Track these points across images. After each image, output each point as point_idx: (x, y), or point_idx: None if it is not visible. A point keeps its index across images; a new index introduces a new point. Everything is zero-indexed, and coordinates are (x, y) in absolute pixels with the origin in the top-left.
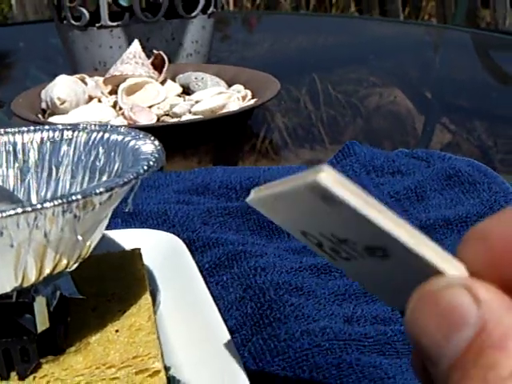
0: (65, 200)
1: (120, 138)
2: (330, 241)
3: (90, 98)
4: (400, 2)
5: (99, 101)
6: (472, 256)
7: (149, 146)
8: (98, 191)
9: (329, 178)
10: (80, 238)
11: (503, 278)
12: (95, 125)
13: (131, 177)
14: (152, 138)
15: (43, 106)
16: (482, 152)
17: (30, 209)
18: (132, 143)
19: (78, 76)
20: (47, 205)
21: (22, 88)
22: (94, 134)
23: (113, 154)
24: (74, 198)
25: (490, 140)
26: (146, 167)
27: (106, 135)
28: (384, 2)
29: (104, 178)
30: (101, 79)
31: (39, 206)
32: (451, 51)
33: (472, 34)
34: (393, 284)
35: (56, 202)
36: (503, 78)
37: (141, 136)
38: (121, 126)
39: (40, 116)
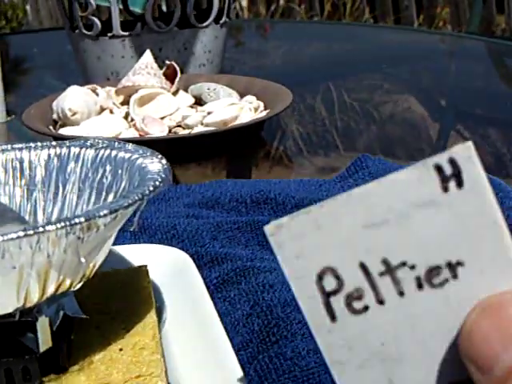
0: (68, 223)
1: (127, 155)
2: (367, 275)
3: (102, 109)
4: (414, 9)
5: (111, 112)
6: None
7: (156, 165)
8: (101, 213)
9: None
10: (83, 260)
11: None
12: (103, 141)
13: (136, 198)
14: (159, 157)
15: (54, 117)
16: (496, 159)
17: (32, 232)
18: (139, 161)
19: (89, 87)
20: (50, 228)
21: (36, 95)
22: (102, 151)
23: (120, 171)
24: (77, 220)
25: (505, 147)
26: (151, 187)
27: (114, 152)
28: (398, 9)
29: (110, 197)
30: (113, 90)
31: (41, 229)
32: (466, 59)
33: (486, 42)
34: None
35: (59, 225)
36: None
37: (148, 154)
38: (128, 143)
39: (51, 127)
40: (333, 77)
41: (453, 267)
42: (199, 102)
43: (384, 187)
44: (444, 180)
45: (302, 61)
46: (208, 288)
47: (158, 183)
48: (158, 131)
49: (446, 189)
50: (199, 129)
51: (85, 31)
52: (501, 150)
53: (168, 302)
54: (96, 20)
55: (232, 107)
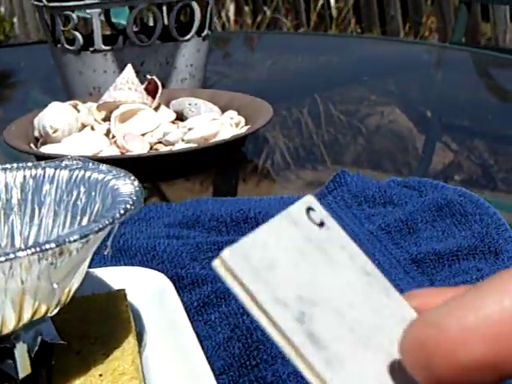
0: (38, 249)
1: (101, 176)
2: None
3: (83, 126)
4: (400, 19)
5: (92, 128)
6: None
7: (128, 187)
8: (72, 239)
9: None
10: (56, 285)
11: None
12: (77, 162)
13: (106, 222)
14: (132, 178)
15: (36, 134)
16: (483, 171)
17: (3, 259)
18: (112, 183)
19: (70, 103)
20: (21, 254)
21: (22, 110)
22: (76, 172)
23: (93, 193)
24: (47, 246)
25: (492, 159)
26: (122, 211)
27: (88, 173)
28: (384, 19)
29: (85, 220)
30: (94, 105)
31: (12, 256)
32: (451, 70)
33: (472, 52)
34: None
35: (29, 251)
36: (503, 96)
37: (121, 175)
38: (102, 164)
39: (32, 145)
40: (319, 89)
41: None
42: (181, 117)
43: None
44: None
45: (287, 73)
46: (189, 311)
47: (128, 206)
48: (139, 148)
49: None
50: (180, 145)
51: (67, 46)
52: (487, 162)
53: (148, 326)
54: (78, 34)
55: (213, 123)
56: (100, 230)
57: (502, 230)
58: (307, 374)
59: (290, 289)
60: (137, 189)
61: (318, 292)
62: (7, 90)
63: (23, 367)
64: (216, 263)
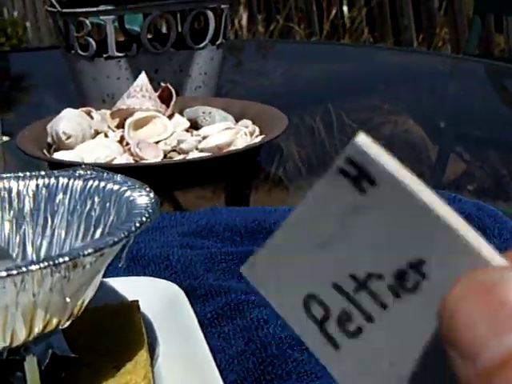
0: (51, 262)
1: (116, 187)
2: (345, 295)
3: (97, 133)
4: (414, 29)
5: (106, 135)
6: None
7: (143, 199)
8: (86, 252)
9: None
10: (68, 299)
11: None
12: (91, 172)
13: (122, 236)
14: (147, 189)
15: (49, 140)
16: (496, 181)
17: (15, 272)
18: (127, 194)
19: (84, 109)
20: (33, 267)
21: (34, 115)
22: (90, 182)
23: (108, 204)
24: (61, 260)
25: (505, 169)
26: (138, 224)
27: (102, 184)
28: (398, 29)
29: (98, 232)
30: (108, 112)
31: (25, 269)
32: (465, 81)
33: (485, 63)
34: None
35: (42, 265)
36: None
37: (136, 186)
38: (117, 174)
39: (45, 151)
40: (332, 98)
41: (416, 267)
42: (195, 125)
43: (310, 206)
44: (355, 182)
45: (300, 82)
46: (202, 322)
47: (144, 219)
48: (153, 156)
49: (362, 190)
50: (194, 154)
51: (80, 52)
52: (500, 172)
53: (161, 338)
54: (91, 41)
55: (227, 132)
56: (115, 243)
57: None
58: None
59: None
60: (152, 201)
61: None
62: (20, 95)
63: (33, 380)
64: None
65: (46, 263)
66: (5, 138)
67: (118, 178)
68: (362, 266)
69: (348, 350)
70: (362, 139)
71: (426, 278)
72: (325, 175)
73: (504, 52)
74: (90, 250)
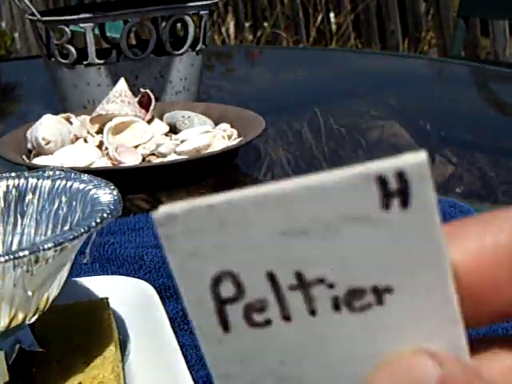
0: (12, 256)
1: (82, 186)
2: (275, 286)
3: (76, 138)
4: (400, 34)
5: (85, 141)
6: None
7: (107, 196)
8: (46, 246)
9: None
10: (30, 293)
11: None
12: (60, 172)
13: (82, 230)
14: (112, 187)
15: (29, 146)
16: (484, 183)
17: None
18: (92, 192)
19: (63, 115)
20: None
21: (21, 125)
22: (58, 182)
23: (74, 203)
24: (21, 253)
25: (492, 171)
26: (98, 219)
27: (69, 183)
28: (384, 34)
29: (65, 229)
30: (87, 118)
31: None
32: (450, 84)
33: (471, 66)
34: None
35: (3, 259)
36: (503, 109)
37: (102, 185)
38: (84, 174)
39: (25, 157)
40: (319, 102)
41: (379, 293)
42: (174, 129)
43: (312, 192)
44: (386, 195)
45: (287, 87)
46: (174, 320)
47: (105, 215)
48: (131, 160)
49: (387, 206)
50: (172, 157)
51: (61, 59)
52: (488, 175)
53: (132, 335)
54: (71, 48)
55: (205, 135)
56: (75, 238)
57: None
58: None
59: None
60: (115, 198)
61: None
62: (8, 105)
63: (1, 374)
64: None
65: (6, 257)
66: None
67: (85, 177)
68: (320, 269)
69: (240, 336)
70: (423, 161)
71: (381, 305)
72: (351, 172)
73: (490, 55)
74: (49, 245)
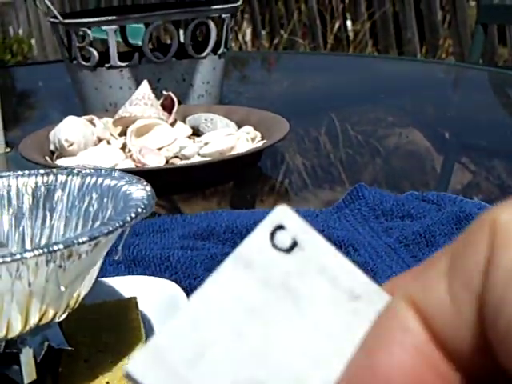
0: (46, 250)
1: (113, 182)
2: None
3: (99, 140)
4: (417, 41)
5: (108, 143)
6: None
7: (140, 192)
8: (80, 240)
9: None
10: (63, 288)
11: None
12: (90, 169)
13: (117, 225)
14: (144, 184)
15: (51, 147)
16: (502, 191)
17: (9, 259)
18: (124, 188)
19: (86, 117)
20: (27, 255)
21: (38, 129)
22: (88, 179)
23: (105, 199)
24: (55, 247)
25: (510, 179)
26: (133, 214)
27: (100, 180)
28: (401, 42)
29: (96, 225)
30: (110, 120)
31: (19, 256)
32: (469, 90)
33: (489, 72)
34: None
35: (37, 252)
36: None
37: (134, 181)
38: (115, 171)
39: (48, 158)
40: (336, 109)
41: None
42: (197, 132)
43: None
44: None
45: (305, 92)
46: None
47: (140, 210)
48: (155, 162)
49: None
50: (196, 159)
51: (82, 62)
52: (506, 182)
53: None
54: (93, 51)
55: (229, 138)
56: (110, 232)
57: None
58: None
59: (227, 375)
60: (149, 194)
61: (269, 363)
62: (25, 109)
63: (28, 373)
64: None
65: (40, 251)
66: (7, 149)
67: (116, 174)
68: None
69: None
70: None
71: None
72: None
73: (507, 63)
74: (84, 238)
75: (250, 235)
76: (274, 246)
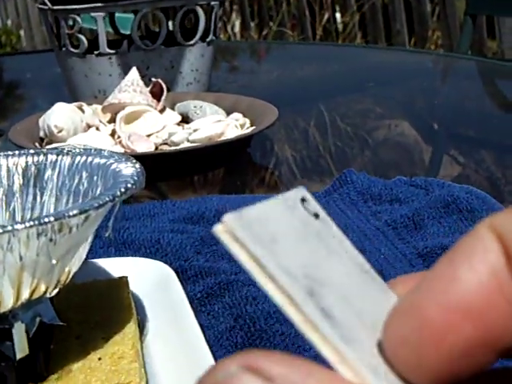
0: (37, 222)
1: (103, 161)
2: None
3: (89, 126)
4: (406, 33)
5: (97, 129)
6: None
7: (129, 169)
8: (71, 213)
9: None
10: (54, 261)
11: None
12: (79, 148)
13: (107, 199)
14: (134, 161)
15: (41, 134)
16: (491, 183)
17: (0, 230)
18: (113, 166)
19: (76, 104)
20: (18, 226)
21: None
22: (78, 158)
23: (95, 177)
24: (46, 219)
25: (499, 171)
26: (123, 189)
27: (90, 159)
28: (390, 34)
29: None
30: (99, 107)
31: (10, 228)
32: (457, 80)
33: (478, 62)
34: None
35: (28, 224)
36: (511, 107)
37: (123, 159)
38: (104, 150)
39: (37, 144)
40: (326, 99)
41: None
42: (186, 119)
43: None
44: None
45: (294, 82)
46: (192, 302)
47: (129, 185)
48: (144, 148)
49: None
50: (185, 146)
51: (72, 49)
52: (495, 174)
53: (150, 315)
54: (83, 38)
55: (218, 124)
56: (100, 206)
57: None
58: (322, 347)
59: (296, 264)
60: (138, 170)
61: (322, 274)
62: (14, 100)
63: (21, 348)
64: (218, 229)
65: (31, 223)
66: None
67: (105, 152)
68: None
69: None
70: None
71: None
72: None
73: (496, 54)
74: (75, 211)
75: (285, 194)
76: (305, 208)
